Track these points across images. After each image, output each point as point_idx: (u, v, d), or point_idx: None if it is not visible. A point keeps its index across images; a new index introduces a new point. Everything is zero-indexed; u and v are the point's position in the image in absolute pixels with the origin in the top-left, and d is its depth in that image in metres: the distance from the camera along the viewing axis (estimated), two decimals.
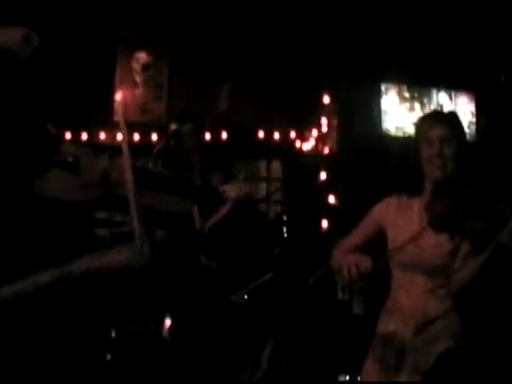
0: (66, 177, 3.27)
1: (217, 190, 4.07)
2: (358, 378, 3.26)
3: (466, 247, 2.61)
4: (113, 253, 1.75)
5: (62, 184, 2.98)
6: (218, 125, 5.30)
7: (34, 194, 1.81)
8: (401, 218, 2.75)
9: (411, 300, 2.66)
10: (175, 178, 5.11)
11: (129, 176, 1.84)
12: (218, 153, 4.99)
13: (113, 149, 4.39)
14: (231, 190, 4.08)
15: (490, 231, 2.49)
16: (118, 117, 1.47)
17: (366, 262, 2.59)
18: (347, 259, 2.66)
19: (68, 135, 5.44)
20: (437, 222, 2.58)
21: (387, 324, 2.74)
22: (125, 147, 1.87)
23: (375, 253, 2.81)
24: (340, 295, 4.75)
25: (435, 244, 2.62)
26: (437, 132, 2.67)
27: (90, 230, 3.96)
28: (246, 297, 3.91)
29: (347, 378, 4.42)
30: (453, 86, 5.73)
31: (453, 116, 2.86)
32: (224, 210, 4.06)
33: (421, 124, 2.81)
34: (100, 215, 4.01)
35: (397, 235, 2.73)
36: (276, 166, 5.67)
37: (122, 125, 1.87)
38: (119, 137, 4.99)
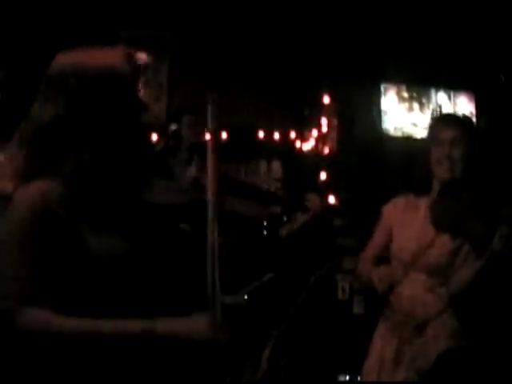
0: (165, 184, 3.31)
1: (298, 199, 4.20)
2: (358, 378, 3.27)
3: (467, 248, 2.62)
4: (190, 320, 1.65)
5: (163, 190, 3.02)
6: None
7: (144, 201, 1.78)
8: (407, 217, 2.77)
9: (411, 298, 2.67)
10: (255, 186, 5.16)
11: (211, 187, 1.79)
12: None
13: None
14: (313, 202, 4.16)
15: (486, 234, 2.51)
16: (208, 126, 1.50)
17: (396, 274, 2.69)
18: (375, 272, 2.72)
19: None
20: (439, 221, 2.60)
21: (387, 323, 2.74)
22: (211, 158, 1.84)
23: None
24: (340, 295, 4.76)
25: (438, 243, 2.63)
26: (447, 134, 2.68)
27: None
28: (245, 297, 3.91)
29: (347, 377, 4.43)
30: (452, 85, 5.72)
31: (466, 119, 2.88)
32: (304, 218, 4.15)
33: (433, 125, 2.83)
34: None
35: (401, 233, 2.75)
36: (276, 166, 5.66)
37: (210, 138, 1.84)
38: None
